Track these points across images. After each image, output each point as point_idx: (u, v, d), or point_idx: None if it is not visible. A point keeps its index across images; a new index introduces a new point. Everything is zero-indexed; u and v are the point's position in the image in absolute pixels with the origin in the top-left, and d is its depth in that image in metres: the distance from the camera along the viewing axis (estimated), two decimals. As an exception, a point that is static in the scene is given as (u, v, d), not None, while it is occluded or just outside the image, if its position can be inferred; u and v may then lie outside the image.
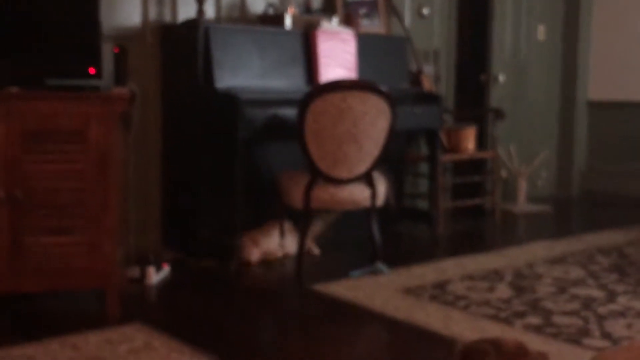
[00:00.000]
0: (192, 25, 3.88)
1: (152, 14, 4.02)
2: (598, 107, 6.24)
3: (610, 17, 6.13)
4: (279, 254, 3.99)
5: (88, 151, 2.96)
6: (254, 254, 3.87)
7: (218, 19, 4.23)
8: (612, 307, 3.20)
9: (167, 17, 4.08)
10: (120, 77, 3.12)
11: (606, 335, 2.83)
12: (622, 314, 3.10)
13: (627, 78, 6.03)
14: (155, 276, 3.51)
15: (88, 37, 3.16)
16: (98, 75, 3.16)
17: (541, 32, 6.04)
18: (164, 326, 2.88)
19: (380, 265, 3.70)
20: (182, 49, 3.94)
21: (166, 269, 3.65)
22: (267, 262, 3.92)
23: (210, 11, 4.14)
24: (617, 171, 6.12)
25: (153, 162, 4.09)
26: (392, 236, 4.52)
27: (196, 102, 3.87)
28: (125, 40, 3.81)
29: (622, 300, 3.29)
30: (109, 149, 2.98)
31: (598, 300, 3.29)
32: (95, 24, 3.19)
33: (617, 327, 2.93)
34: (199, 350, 2.63)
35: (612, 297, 3.35)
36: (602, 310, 3.15)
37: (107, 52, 3.27)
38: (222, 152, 3.82)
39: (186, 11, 4.06)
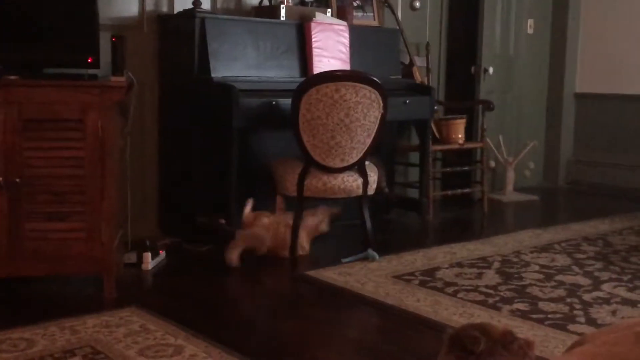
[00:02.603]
0: (188, 15, 3.93)
1: (149, 4, 4.06)
2: (585, 99, 6.33)
3: (598, 12, 6.21)
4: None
5: (86, 139, 3.02)
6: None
7: (214, 9, 4.27)
8: (597, 294, 3.28)
9: (164, 8, 4.12)
10: (117, 66, 3.16)
11: (591, 322, 2.90)
12: (606, 300, 3.18)
13: (613, 71, 6.12)
14: (152, 261, 3.58)
15: (86, 27, 3.21)
16: (96, 64, 3.21)
17: (530, 25, 6.11)
18: (159, 310, 2.94)
19: (371, 252, 3.78)
20: (179, 39, 3.99)
21: (162, 255, 3.72)
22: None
23: (206, 2, 4.18)
24: (602, 162, 6.22)
25: (150, 150, 4.14)
26: (383, 224, 4.60)
27: (192, 91, 3.93)
28: (123, 29, 3.85)
29: (607, 288, 3.37)
30: (106, 136, 3.03)
31: (583, 288, 3.37)
32: (93, 14, 3.24)
33: (601, 314, 3.00)
34: (194, 333, 2.69)
35: (597, 284, 3.43)
36: (587, 297, 3.23)
37: (105, 41, 3.31)
38: (217, 140, 3.88)
39: (183, 2, 4.10)
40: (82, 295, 3.18)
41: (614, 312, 3.02)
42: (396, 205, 4.98)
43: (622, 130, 6.07)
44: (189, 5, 4.01)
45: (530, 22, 6.10)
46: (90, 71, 3.22)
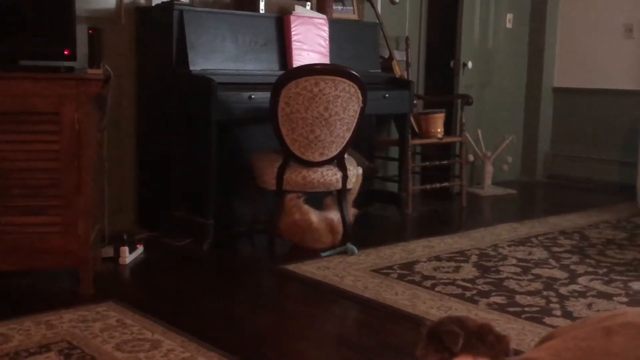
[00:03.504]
0: (166, 8, 3.90)
1: (127, -4, 4.03)
2: (563, 94, 6.38)
3: (576, 7, 6.25)
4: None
5: (62, 132, 2.99)
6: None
7: (192, 2, 4.23)
8: (574, 287, 3.31)
9: (142, 0, 4.09)
10: (94, 59, 3.13)
11: (567, 315, 2.93)
12: (582, 294, 3.21)
13: (591, 66, 6.18)
14: (129, 255, 3.56)
15: (62, 19, 3.17)
16: (72, 56, 3.18)
17: (509, 20, 6.14)
18: (137, 304, 2.93)
19: (350, 246, 3.79)
20: (157, 31, 3.96)
21: (140, 249, 3.70)
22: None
23: (184, -6, 4.15)
24: (580, 156, 6.28)
25: (128, 143, 4.11)
26: (362, 217, 4.60)
27: (170, 84, 3.90)
28: (100, 22, 3.81)
29: (583, 281, 3.41)
30: (83, 129, 3.00)
31: (560, 281, 3.40)
32: (69, 6, 3.20)
33: (577, 307, 3.03)
34: (172, 327, 2.68)
35: (573, 277, 3.47)
36: (563, 290, 3.26)
37: (82, 33, 3.27)
38: (196, 133, 3.86)
39: (160, -6, 4.07)
40: (58, 289, 3.15)
41: (589, 305, 3.06)
42: (375, 199, 4.99)
43: (599, 124, 6.13)
44: (168, -2, 3.98)
45: (509, 16, 6.13)
46: (67, 64, 3.18)
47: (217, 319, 2.87)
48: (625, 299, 3.14)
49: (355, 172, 3.97)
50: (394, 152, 5.04)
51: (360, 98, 3.71)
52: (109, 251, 3.57)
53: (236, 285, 3.32)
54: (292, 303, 3.11)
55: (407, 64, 5.16)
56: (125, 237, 3.62)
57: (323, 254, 3.73)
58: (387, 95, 4.45)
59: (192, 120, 3.89)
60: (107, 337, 2.57)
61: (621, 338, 1.35)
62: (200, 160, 3.82)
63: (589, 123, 6.20)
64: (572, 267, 3.65)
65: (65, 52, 3.14)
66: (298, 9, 4.36)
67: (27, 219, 3.01)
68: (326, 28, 4.42)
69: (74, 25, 3.20)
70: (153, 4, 4.08)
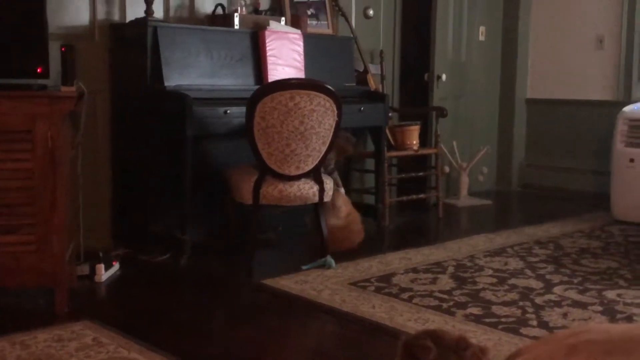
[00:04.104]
0: (140, 24, 3.90)
1: (100, 13, 4.01)
2: (536, 105, 6.46)
3: (548, 19, 6.35)
4: None
5: (36, 150, 2.96)
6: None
7: (167, 18, 4.25)
8: (549, 297, 3.34)
9: (116, 16, 4.08)
10: (67, 76, 3.11)
11: (543, 325, 2.96)
12: (558, 303, 3.24)
13: (563, 77, 6.27)
14: (105, 273, 3.53)
15: (35, 36, 3.16)
16: (45, 74, 3.16)
17: (482, 33, 6.22)
18: (113, 322, 2.91)
19: (329, 259, 3.79)
20: (131, 48, 3.96)
21: (116, 266, 3.67)
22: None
23: (159, 11, 4.16)
24: (553, 166, 6.36)
25: (103, 160, 4.09)
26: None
27: (145, 100, 3.89)
28: (74, 39, 3.79)
29: (558, 290, 3.44)
30: (56, 147, 2.98)
31: (536, 291, 3.43)
32: (42, 23, 3.19)
33: (553, 317, 3.06)
34: (148, 345, 2.66)
35: (549, 287, 3.50)
36: (539, 300, 3.29)
37: (55, 51, 3.26)
38: (171, 149, 3.85)
39: (135, 10, 4.06)
40: (33, 308, 3.12)
41: (565, 315, 3.09)
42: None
43: (572, 134, 6.21)
44: (141, 14, 3.98)
45: (481, 29, 6.20)
46: (40, 81, 3.16)
47: (194, 336, 2.85)
48: (599, 308, 3.18)
49: (331, 185, 3.98)
50: (370, 164, 5.07)
51: (336, 112, 3.72)
52: (84, 269, 3.54)
53: (213, 301, 3.30)
54: (270, 318, 3.10)
55: (382, 77, 5.19)
56: (101, 254, 3.60)
57: (304, 267, 3.74)
58: (362, 108, 4.48)
59: (168, 135, 3.88)
60: (82, 357, 2.55)
61: (584, 356, 1.36)
62: (176, 176, 3.81)
63: (562, 133, 6.28)
64: (548, 276, 3.68)
65: (38, 70, 3.13)
66: (272, 24, 4.38)
67: (1, 238, 2.97)
68: (301, 43, 4.44)
69: (46, 42, 3.18)
70: (127, 21, 4.07)
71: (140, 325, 2.92)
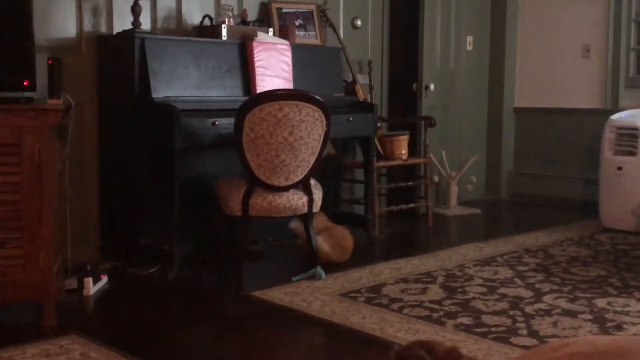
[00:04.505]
0: (128, 36, 3.89)
1: (88, 25, 4.00)
2: (524, 114, 6.49)
3: (535, 29, 6.38)
4: None
5: (23, 163, 2.95)
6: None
7: (154, 30, 4.24)
8: (539, 305, 3.34)
9: (103, 28, 4.07)
10: (54, 89, 3.10)
11: (533, 334, 2.95)
12: (548, 312, 3.24)
13: (550, 86, 6.30)
14: (93, 287, 3.51)
15: (21, 49, 3.14)
16: (32, 87, 3.15)
17: (469, 42, 6.25)
18: (101, 337, 2.88)
19: (319, 270, 3.78)
20: (118, 60, 3.94)
21: (104, 279, 3.65)
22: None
23: (146, 22, 4.15)
24: (542, 174, 6.37)
25: (90, 172, 4.07)
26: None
27: (133, 112, 3.88)
28: (61, 51, 3.78)
29: (548, 299, 3.44)
30: (43, 161, 2.97)
31: (525, 300, 3.43)
32: (28, 35, 3.17)
33: (543, 325, 3.06)
34: (137, 359, 2.64)
35: (538, 296, 3.50)
36: (529, 309, 3.29)
37: (42, 63, 3.24)
38: (160, 161, 3.83)
39: (122, 22, 4.06)
40: (20, 323, 3.09)
41: (555, 324, 3.09)
42: (342, 222, 4.99)
43: (560, 143, 6.23)
44: (129, 26, 3.97)
45: (469, 39, 6.23)
46: (27, 94, 3.14)
47: (183, 349, 2.83)
48: (589, 316, 3.18)
49: (320, 195, 3.98)
50: (360, 174, 5.07)
51: (324, 122, 3.72)
52: (72, 282, 3.51)
53: (202, 314, 3.29)
54: (259, 330, 3.09)
55: (370, 88, 5.20)
56: (89, 267, 3.57)
57: (294, 279, 3.73)
58: (351, 118, 4.48)
59: (156, 147, 3.87)
60: (70, 372, 2.53)
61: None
62: (165, 188, 3.80)
63: (551, 142, 6.30)
64: (537, 285, 3.68)
65: (25, 83, 3.11)
66: (260, 35, 4.38)
67: (-12, 252, 2.95)
68: (289, 53, 4.44)
69: (33, 55, 3.17)
70: (114, 32, 4.07)
71: (129, 339, 2.90)
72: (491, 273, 3.92)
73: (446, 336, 2.90)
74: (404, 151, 5.08)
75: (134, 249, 3.95)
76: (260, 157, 3.64)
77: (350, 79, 5.03)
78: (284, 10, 4.85)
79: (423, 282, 3.72)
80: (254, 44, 4.28)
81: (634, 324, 3.09)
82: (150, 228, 3.97)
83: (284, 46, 4.44)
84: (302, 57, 4.57)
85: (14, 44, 3.15)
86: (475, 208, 5.93)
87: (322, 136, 3.76)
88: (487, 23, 6.40)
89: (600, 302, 3.39)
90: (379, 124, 4.88)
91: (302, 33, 4.90)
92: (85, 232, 4.04)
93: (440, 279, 3.79)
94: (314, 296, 3.47)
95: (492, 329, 3.01)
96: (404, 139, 5.10)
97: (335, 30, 5.02)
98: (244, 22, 4.55)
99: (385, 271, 3.94)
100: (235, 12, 4.55)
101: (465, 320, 3.13)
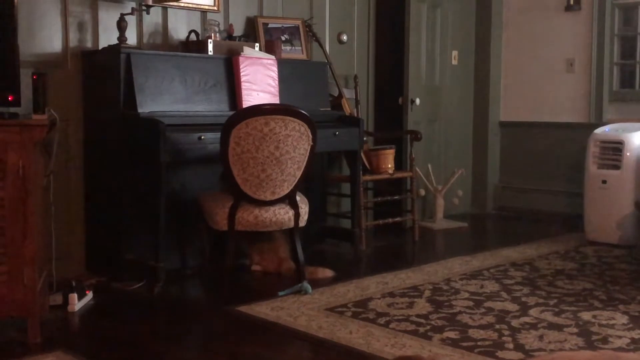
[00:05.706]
0: (113, 51, 3.89)
1: (73, 40, 4.00)
2: (509, 128, 6.53)
3: (519, 43, 6.44)
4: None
5: (7, 179, 2.93)
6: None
7: (140, 45, 4.24)
8: (525, 319, 3.35)
9: (89, 43, 4.07)
10: (39, 104, 3.09)
11: (519, 347, 2.96)
12: (534, 325, 3.25)
13: (535, 100, 6.35)
14: (78, 302, 3.48)
15: (6, 64, 3.13)
16: (17, 102, 3.13)
17: (454, 57, 6.29)
18: (86, 353, 2.87)
19: (306, 285, 3.78)
20: (104, 75, 3.94)
21: (89, 295, 3.62)
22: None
23: (132, 37, 4.15)
24: (527, 188, 6.41)
25: (76, 187, 4.06)
26: (316, 255, 4.61)
27: (119, 127, 3.87)
28: (46, 66, 3.78)
29: (534, 313, 3.45)
30: (28, 176, 2.95)
31: (512, 313, 3.44)
32: (13, 50, 3.16)
33: (529, 339, 3.06)
34: (124, 376, 2.63)
35: (524, 309, 3.51)
36: (515, 322, 3.30)
37: (27, 78, 3.23)
38: (145, 176, 3.83)
39: (107, 37, 4.06)
40: (4, 340, 3.06)
41: (541, 337, 3.09)
42: (329, 236, 5.00)
43: (545, 156, 6.27)
44: (114, 41, 3.98)
45: (454, 53, 6.28)
46: (11, 109, 3.13)
47: (169, 365, 2.81)
48: (575, 330, 3.19)
49: (307, 209, 3.98)
50: (346, 188, 5.08)
51: (310, 137, 3.73)
52: (57, 298, 3.48)
53: (188, 329, 3.27)
54: (245, 345, 3.07)
55: (357, 102, 5.22)
56: (73, 283, 3.54)
57: (281, 293, 3.72)
58: (337, 132, 4.49)
59: (142, 162, 3.86)
60: (54, 389, 2.51)
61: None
62: (150, 203, 3.78)
63: (536, 155, 6.34)
64: (523, 299, 3.69)
65: (9, 98, 3.10)
66: (246, 50, 4.39)
67: (-29, 268, 2.92)
68: (275, 68, 4.46)
69: (18, 70, 3.16)
70: (100, 47, 4.06)
71: (114, 355, 2.88)
72: (477, 287, 3.93)
73: (433, 350, 2.90)
74: (390, 165, 5.10)
75: (119, 264, 3.93)
76: (247, 171, 3.64)
77: (336, 94, 5.05)
78: (270, 26, 4.87)
79: (410, 296, 3.72)
80: (240, 58, 4.29)
81: (619, 337, 3.10)
82: (135, 243, 3.96)
83: (270, 61, 4.45)
84: (288, 71, 4.58)
85: (-2, 59, 3.14)
86: (462, 222, 5.95)
87: (308, 150, 3.76)
88: (472, 38, 6.46)
89: (586, 315, 3.40)
90: (365, 138, 4.89)
91: (288, 48, 4.92)
92: (70, 247, 4.02)
93: (427, 293, 3.79)
94: (300, 311, 3.46)
95: (479, 343, 3.01)
96: (390, 153, 5.11)
97: (321, 45, 5.05)
98: (230, 37, 4.57)
99: (371, 285, 3.94)
100: (222, 27, 4.57)
101: (452, 334, 3.13)
